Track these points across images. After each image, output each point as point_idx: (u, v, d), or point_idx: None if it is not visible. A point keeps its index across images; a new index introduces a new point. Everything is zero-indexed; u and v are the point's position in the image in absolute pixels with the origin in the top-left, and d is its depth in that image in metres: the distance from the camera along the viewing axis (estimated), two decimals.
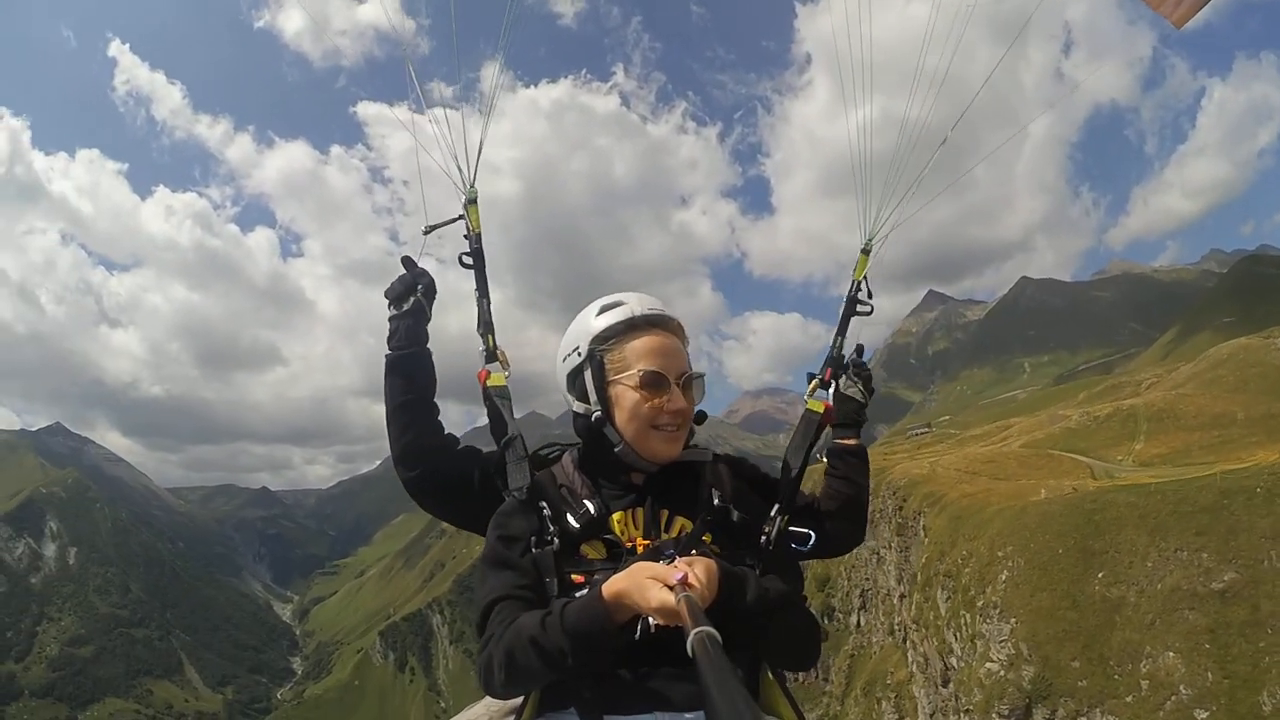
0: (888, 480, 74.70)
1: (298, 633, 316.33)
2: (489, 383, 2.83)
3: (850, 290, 3.29)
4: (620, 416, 2.43)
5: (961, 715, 47.18)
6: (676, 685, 2.10)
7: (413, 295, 2.87)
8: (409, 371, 2.86)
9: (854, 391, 3.17)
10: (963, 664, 49.10)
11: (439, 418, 2.88)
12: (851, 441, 3.15)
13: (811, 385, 3.15)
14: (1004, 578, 47.26)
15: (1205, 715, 35.72)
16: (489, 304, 3.01)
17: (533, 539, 2.30)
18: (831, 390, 3.19)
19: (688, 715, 2.07)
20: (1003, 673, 44.03)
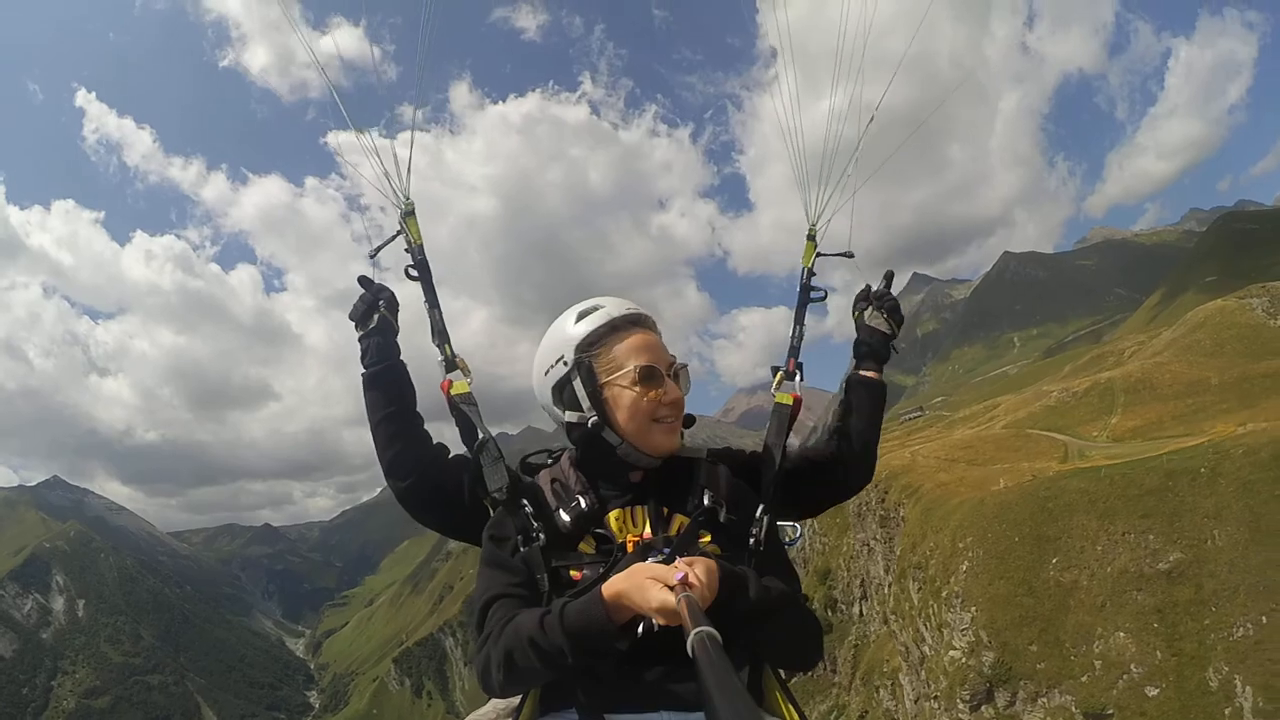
0: None
1: (312, 666, 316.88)
2: (453, 391, 2.83)
3: (802, 278, 3.33)
4: (620, 416, 2.44)
5: (929, 702, 49.40)
6: (677, 685, 2.10)
7: (376, 312, 2.94)
8: (386, 385, 2.91)
9: (879, 322, 3.16)
10: (933, 652, 51.88)
11: (424, 427, 2.95)
12: (872, 374, 3.14)
13: (777, 378, 3.13)
14: (965, 568, 50.05)
15: (1155, 692, 38.36)
16: (440, 313, 3.05)
17: (520, 538, 2.32)
18: (857, 320, 3.24)
19: (689, 715, 2.08)
20: (965, 659, 47.10)
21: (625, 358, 2.44)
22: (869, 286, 3.22)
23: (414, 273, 3.02)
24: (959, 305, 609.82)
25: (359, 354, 2.95)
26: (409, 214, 3.11)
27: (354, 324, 2.96)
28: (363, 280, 2.97)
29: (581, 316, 2.52)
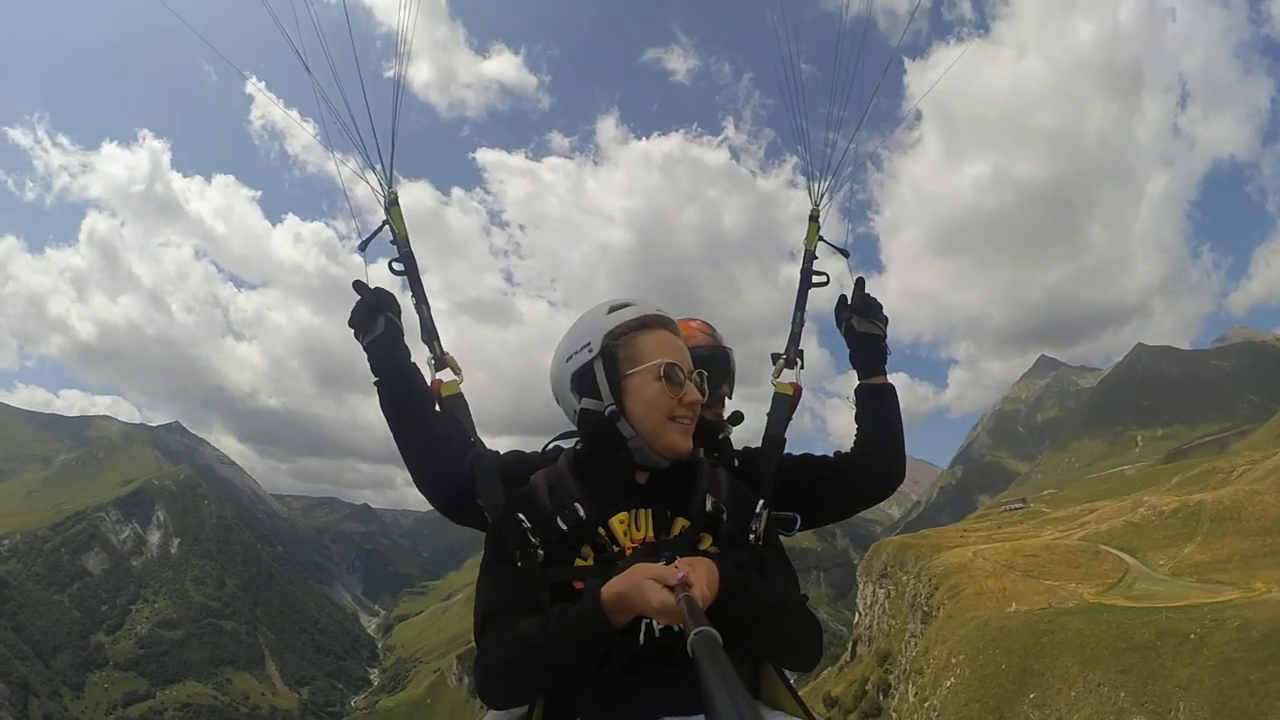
0: (926, 566, 78.65)
1: (379, 646, 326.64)
2: (444, 392, 2.79)
3: (804, 261, 3.30)
4: (637, 409, 2.41)
5: None
6: (680, 690, 2.09)
7: (380, 316, 2.83)
8: (404, 393, 2.82)
9: (868, 327, 3.10)
10: None
11: (445, 430, 2.79)
12: (877, 381, 3.08)
13: (777, 366, 3.09)
14: (949, 684, 52.25)
15: None
16: (429, 309, 2.96)
17: (517, 551, 2.29)
18: (844, 330, 3.16)
19: (692, 719, 2.06)
20: None
21: (652, 352, 2.43)
22: (844, 297, 3.23)
23: (398, 266, 3.01)
24: (1084, 394, 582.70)
25: (367, 361, 2.86)
26: (393, 204, 3.09)
27: (355, 331, 2.89)
28: (357, 285, 2.89)
29: (614, 309, 2.52)
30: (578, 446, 2.59)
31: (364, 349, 2.85)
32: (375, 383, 2.83)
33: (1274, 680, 39.52)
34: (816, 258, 3.25)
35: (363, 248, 3.01)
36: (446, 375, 2.83)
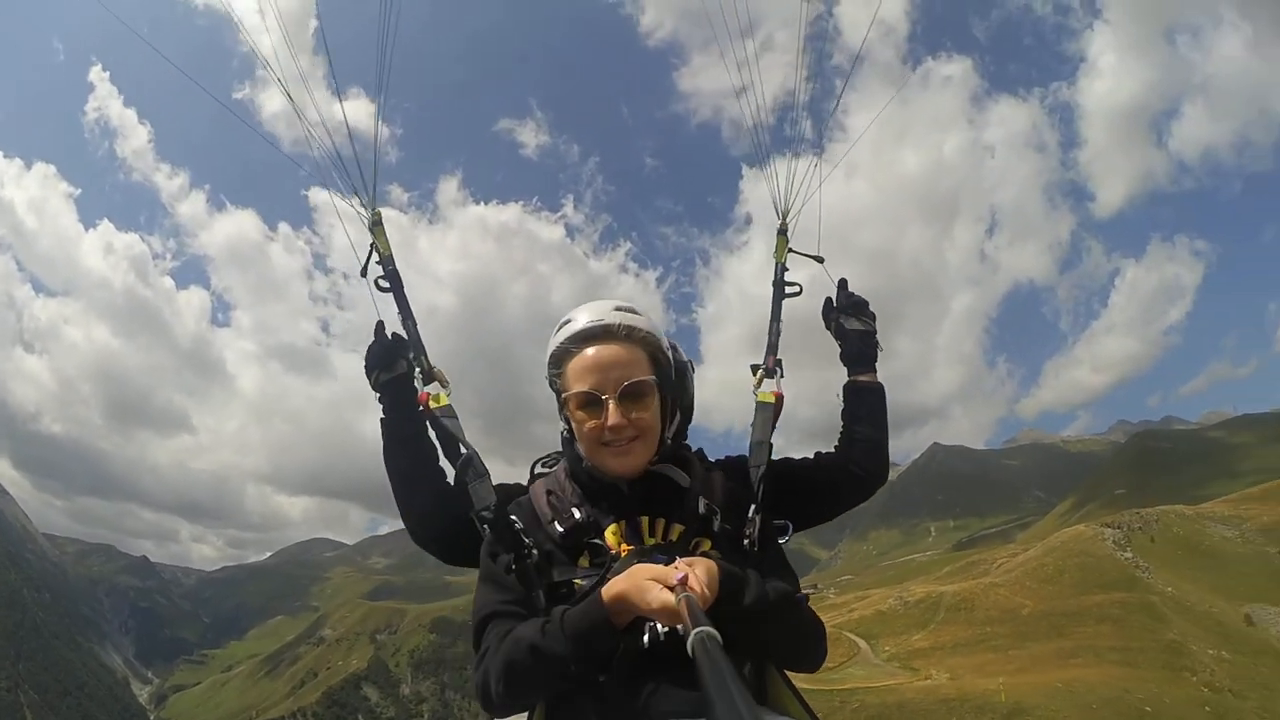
0: None
1: (152, 718, 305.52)
2: (433, 404, 2.86)
3: (775, 274, 3.44)
4: (577, 434, 2.52)
5: None
6: (682, 693, 2.13)
7: (401, 359, 2.97)
8: (413, 436, 2.93)
9: (856, 324, 3.26)
10: None
11: (444, 474, 2.93)
12: (867, 378, 3.20)
13: (757, 376, 3.15)
14: None
15: None
16: (415, 325, 3.06)
17: (511, 555, 2.37)
18: (834, 329, 3.33)
19: None
20: None
21: (573, 379, 2.49)
22: (830, 299, 3.39)
23: (385, 284, 3.13)
24: (883, 487, 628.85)
25: (379, 401, 2.99)
26: (376, 224, 3.22)
27: (371, 370, 3.00)
28: (379, 326, 3.03)
29: (559, 329, 2.59)
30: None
31: (377, 388, 2.98)
32: (385, 421, 2.96)
33: None
34: (788, 269, 3.47)
35: (364, 273, 3.15)
36: (435, 389, 2.93)
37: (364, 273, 3.13)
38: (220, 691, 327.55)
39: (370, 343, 3.03)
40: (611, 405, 2.41)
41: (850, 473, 3.09)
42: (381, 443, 2.95)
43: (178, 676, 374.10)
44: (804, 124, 3.52)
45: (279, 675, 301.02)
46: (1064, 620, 66.38)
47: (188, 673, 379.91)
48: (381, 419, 2.96)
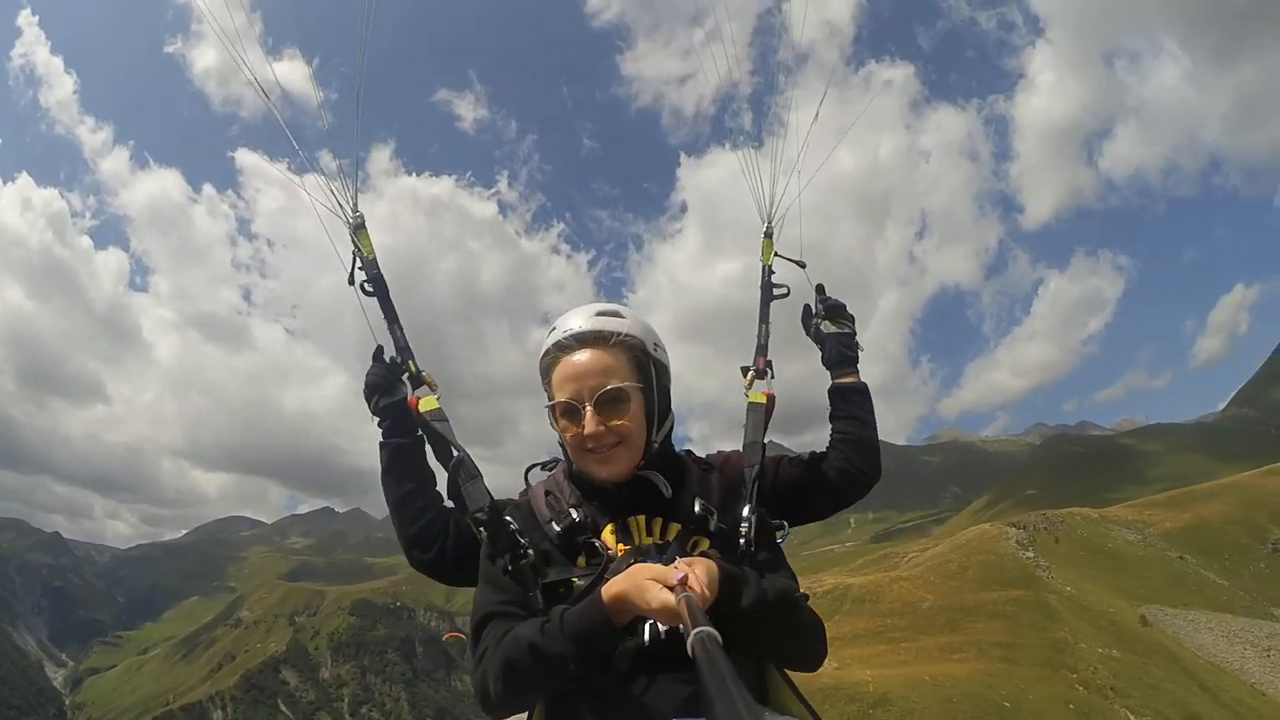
0: None
1: (67, 703, 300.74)
2: (422, 408, 2.87)
3: (762, 276, 3.49)
4: (563, 440, 2.56)
5: None
6: (681, 691, 2.14)
7: (400, 384, 3.02)
8: (416, 459, 2.98)
9: (835, 326, 3.35)
10: None
11: (444, 502, 2.96)
12: (851, 379, 3.26)
13: (749, 377, 3.19)
14: None
15: None
16: (401, 328, 3.09)
17: (508, 555, 2.38)
18: (813, 334, 3.41)
19: None
20: None
21: (556, 388, 2.50)
22: (808, 306, 3.49)
23: (369, 288, 3.16)
24: None
25: (378, 425, 3.06)
26: (359, 227, 3.22)
27: (371, 394, 3.08)
28: (378, 352, 3.12)
29: (546, 337, 2.60)
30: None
31: (377, 412, 3.06)
32: (385, 444, 3.02)
33: None
34: (774, 271, 3.53)
35: (351, 280, 3.19)
36: (424, 392, 2.97)
37: (351, 280, 3.20)
38: (136, 675, 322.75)
39: (370, 366, 3.12)
40: (589, 413, 2.42)
41: (844, 471, 3.16)
42: (381, 465, 3.02)
43: (93, 659, 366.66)
44: (785, 129, 3.63)
45: (196, 658, 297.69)
46: (959, 615, 67.74)
47: (103, 655, 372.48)
48: (381, 442, 3.04)
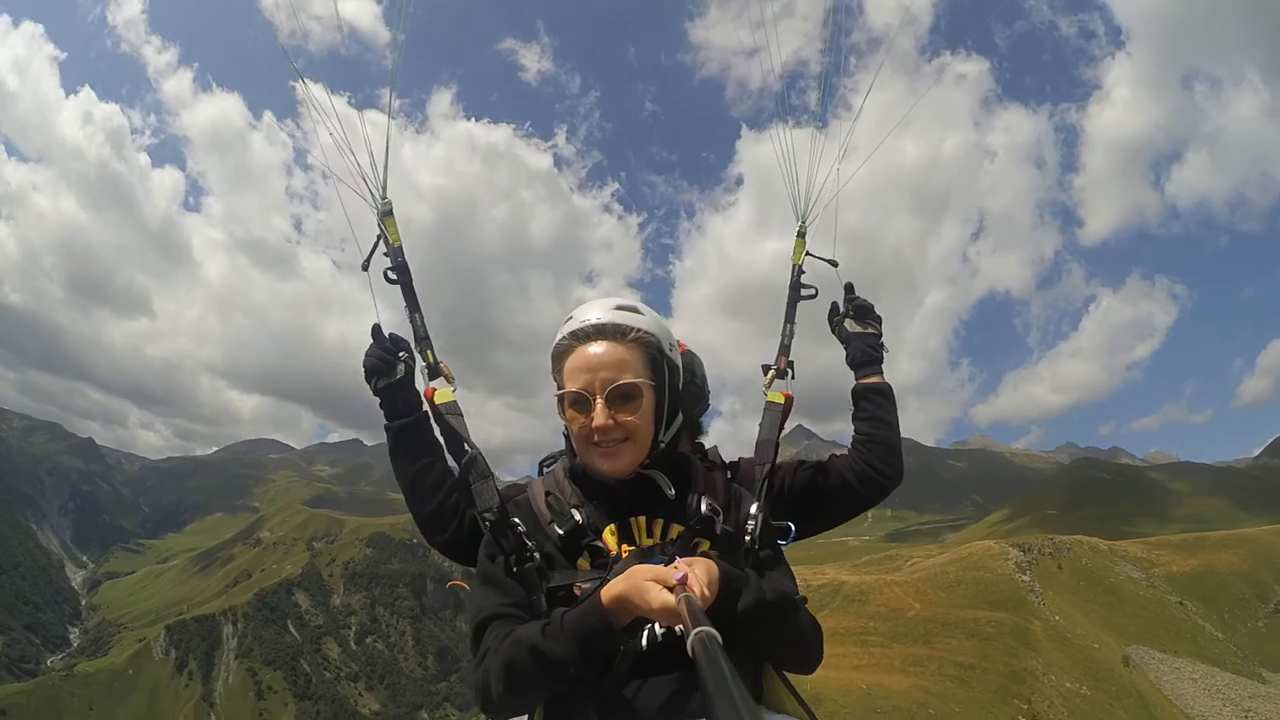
0: None
1: (84, 603, 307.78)
2: (437, 400, 2.89)
3: (792, 276, 3.44)
4: (570, 433, 2.53)
5: None
6: (681, 692, 2.16)
7: (399, 364, 2.97)
8: (422, 438, 2.94)
9: (861, 326, 3.36)
10: None
11: (452, 473, 2.92)
12: (876, 379, 3.26)
13: (769, 376, 3.20)
14: None
15: None
16: (422, 318, 3.06)
17: (513, 556, 2.37)
18: (839, 334, 3.41)
19: None
20: None
21: (566, 378, 2.48)
22: (835, 304, 3.49)
23: (393, 276, 3.13)
24: None
25: (380, 406, 3.01)
26: (387, 214, 3.19)
27: (370, 376, 3.02)
28: (376, 330, 3.05)
29: (562, 325, 2.57)
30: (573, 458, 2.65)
31: (378, 393, 3.02)
32: (389, 427, 2.99)
33: None
34: (804, 271, 3.49)
35: (365, 266, 3.15)
36: (440, 384, 2.99)
37: (366, 266, 3.16)
38: (153, 583, 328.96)
39: (368, 347, 3.05)
40: (599, 406, 2.41)
41: (865, 474, 3.12)
42: (389, 448, 3.00)
43: (112, 563, 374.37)
44: (824, 132, 3.57)
45: (213, 572, 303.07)
46: (938, 629, 68.21)
47: (123, 560, 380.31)
48: (386, 425, 3.00)
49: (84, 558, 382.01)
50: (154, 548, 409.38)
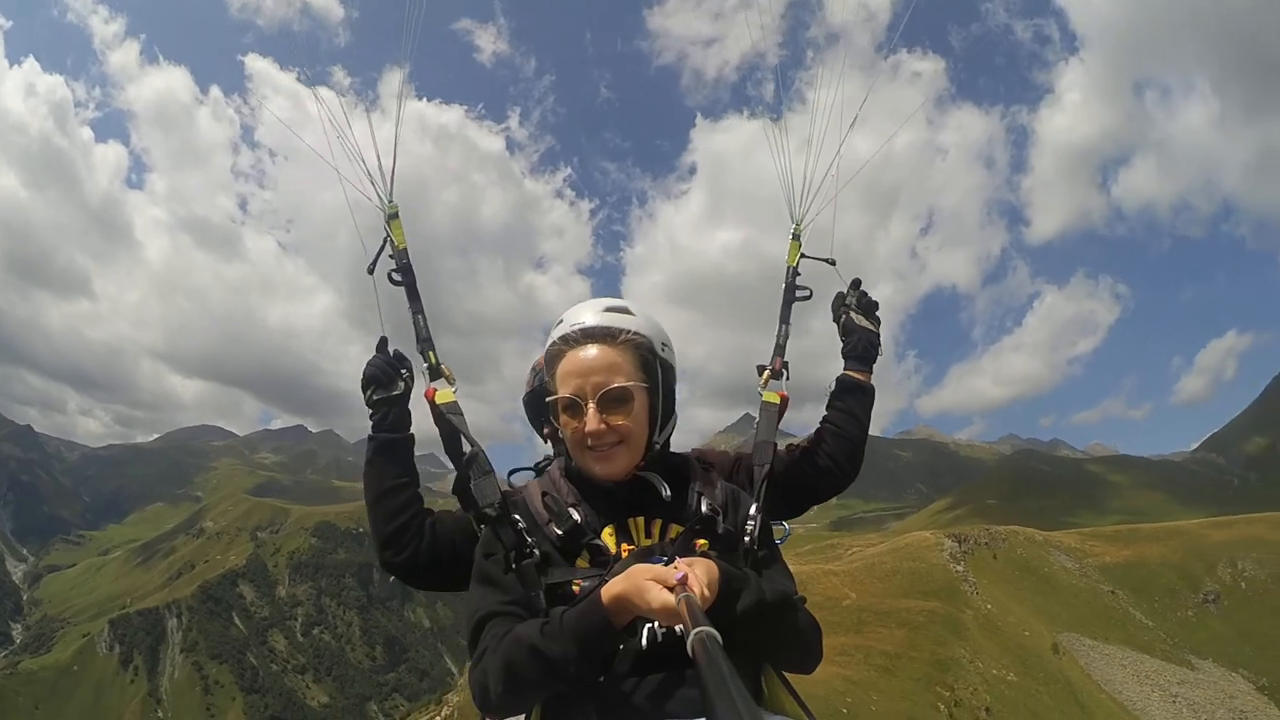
0: None
1: (24, 598, 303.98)
2: (438, 400, 2.89)
3: (787, 277, 3.44)
4: (564, 438, 2.54)
5: None
6: (681, 693, 2.14)
7: (400, 381, 2.96)
8: (401, 455, 2.94)
9: (865, 321, 3.34)
10: None
11: (423, 503, 2.94)
12: (862, 376, 3.25)
13: (764, 376, 3.19)
14: None
15: None
16: (425, 319, 3.08)
17: (512, 554, 2.35)
18: (842, 323, 3.38)
19: None
20: None
21: (559, 383, 2.49)
22: (841, 293, 3.45)
23: (398, 277, 3.14)
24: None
25: (370, 416, 2.98)
26: (393, 217, 3.23)
27: (370, 386, 2.99)
28: (383, 342, 3.06)
29: (552, 329, 2.58)
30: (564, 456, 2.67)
31: (371, 404, 2.99)
32: (374, 437, 2.97)
33: None
34: (799, 273, 3.48)
35: (371, 269, 3.16)
36: (441, 385, 2.98)
37: (371, 269, 3.19)
38: (95, 576, 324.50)
39: (371, 357, 3.06)
40: (591, 410, 2.41)
41: (825, 468, 3.16)
42: (366, 456, 2.99)
43: (53, 556, 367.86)
44: (822, 133, 3.50)
45: (155, 564, 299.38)
46: (870, 618, 68.81)
47: (64, 553, 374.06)
48: (371, 435, 2.99)
49: (24, 551, 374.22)
50: (95, 539, 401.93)
